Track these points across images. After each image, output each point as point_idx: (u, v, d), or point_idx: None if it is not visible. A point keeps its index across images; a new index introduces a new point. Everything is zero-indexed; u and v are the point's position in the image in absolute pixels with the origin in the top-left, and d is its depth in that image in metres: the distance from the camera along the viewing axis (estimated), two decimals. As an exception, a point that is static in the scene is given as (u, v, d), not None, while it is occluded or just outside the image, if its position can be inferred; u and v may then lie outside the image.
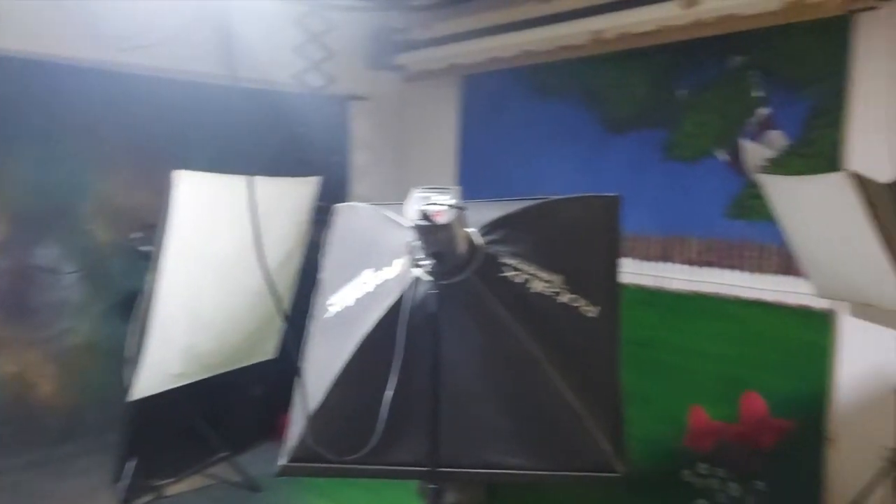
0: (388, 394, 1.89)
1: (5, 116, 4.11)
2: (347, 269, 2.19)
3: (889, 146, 3.27)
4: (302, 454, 1.96)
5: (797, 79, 3.64)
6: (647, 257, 4.28)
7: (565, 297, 2.03)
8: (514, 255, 2.00)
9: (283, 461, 2.00)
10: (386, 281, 2.03)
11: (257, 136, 4.67)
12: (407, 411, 1.90)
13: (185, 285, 3.57)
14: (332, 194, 4.12)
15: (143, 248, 3.81)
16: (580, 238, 2.18)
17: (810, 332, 3.66)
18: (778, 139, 3.72)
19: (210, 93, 4.48)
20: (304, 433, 1.94)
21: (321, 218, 3.98)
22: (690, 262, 4.11)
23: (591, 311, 2.05)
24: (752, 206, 3.78)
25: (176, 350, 3.66)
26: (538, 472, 1.96)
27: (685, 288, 4.13)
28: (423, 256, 1.89)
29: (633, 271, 4.22)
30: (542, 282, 2.01)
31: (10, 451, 4.22)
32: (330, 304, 2.19)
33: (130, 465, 3.88)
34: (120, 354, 3.68)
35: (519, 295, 1.96)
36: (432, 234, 1.80)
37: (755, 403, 3.82)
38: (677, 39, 3.82)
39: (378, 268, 2.08)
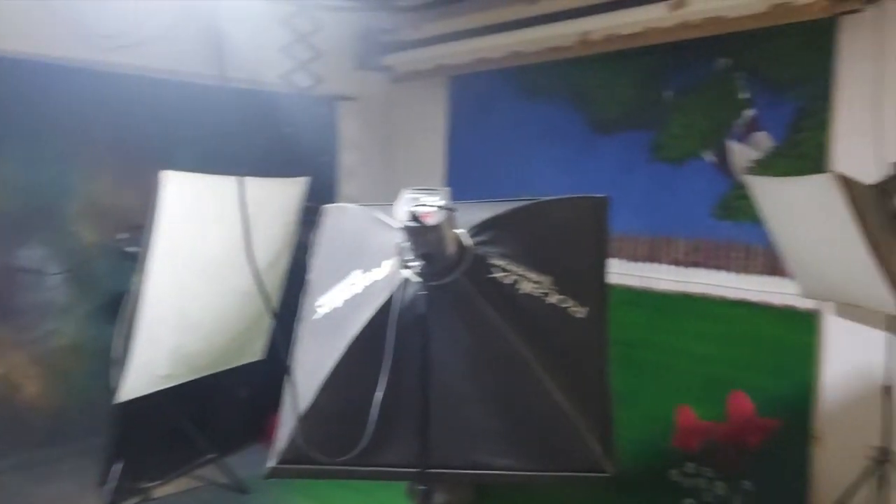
0: (378, 395, 1.89)
1: (-10, 115, 4.08)
2: (336, 271, 2.19)
3: (873, 148, 3.30)
4: (291, 456, 1.96)
5: (783, 81, 3.67)
6: (634, 258, 4.30)
7: (554, 298, 2.04)
8: (503, 256, 2.00)
9: (272, 463, 1.99)
10: (375, 282, 2.02)
11: (245, 137, 4.65)
12: (396, 412, 1.90)
13: (173, 286, 3.55)
14: (320, 195, 4.11)
15: (130, 249, 3.79)
16: (569, 239, 2.18)
17: (796, 332, 3.69)
18: (764, 141, 3.75)
19: (197, 93, 4.46)
20: (294, 435, 1.94)
21: (309, 218, 3.99)
22: (677, 263, 4.14)
23: (579, 311, 2.06)
24: (738, 206, 3.81)
25: (163, 351, 3.64)
26: (527, 472, 1.97)
27: (672, 288, 4.15)
28: (412, 257, 1.89)
29: (621, 272, 4.24)
30: (531, 283, 2.01)
31: (-5, 454, 4.19)
32: (318, 306, 2.18)
33: (117, 468, 3.85)
34: (106, 356, 3.66)
35: (508, 296, 1.96)
36: (422, 236, 1.80)
37: (742, 403, 3.85)
38: (664, 41, 3.84)
39: (367, 269, 2.07)
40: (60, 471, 4.25)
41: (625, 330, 3.88)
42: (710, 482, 3.94)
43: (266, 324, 4.19)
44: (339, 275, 2.16)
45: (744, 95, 3.81)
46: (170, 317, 3.58)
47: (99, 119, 4.41)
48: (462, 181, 5.12)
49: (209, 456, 4.30)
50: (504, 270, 1.98)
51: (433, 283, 1.87)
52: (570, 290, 2.06)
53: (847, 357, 3.54)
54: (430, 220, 1.76)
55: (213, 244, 3.62)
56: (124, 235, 3.97)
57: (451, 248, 1.89)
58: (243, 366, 4.29)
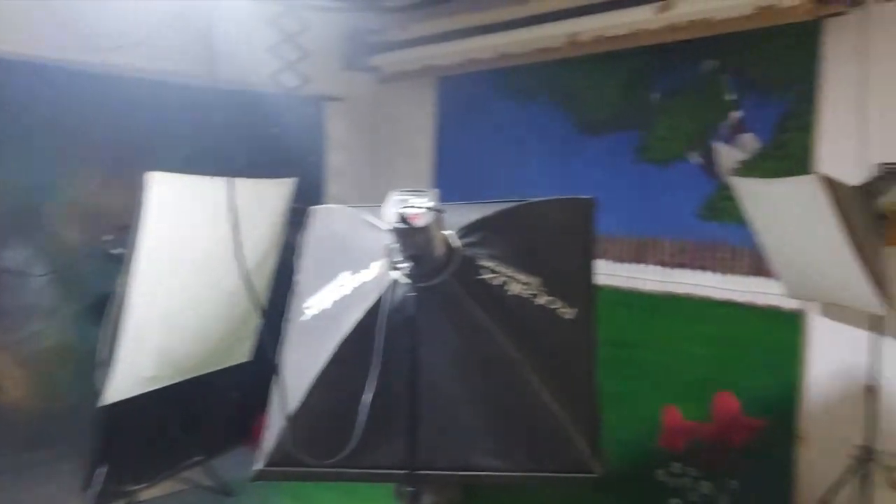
0: (367, 397, 1.88)
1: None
2: (324, 272, 2.18)
3: (857, 150, 3.33)
4: (279, 458, 1.95)
5: (769, 83, 3.69)
6: (620, 259, 4.31)
7: (542, 299, 2.04)
8: (492, 257, 2.01)
9: (259, 465, 1.99)
10: (364, 283, 2.02)
11: (232, 137, 4.62)
12: (385, 414, 1.90)
13: (159, 288, 3.53)
14: (307, 195, 4.11)
15: (116, 251, 3.76)
16: (557, 240, 2.19)
17: (781, 332, 3.71)
18: (750, 142, 3.78)
19: (184, 93, 4.43)
20: (282, 437, 1.93)
21: (296, 219, 3.97)
22: (663, 264, 4.16)
23: (568, 312, 2.07)
24: (724, 208, 3.83)
25: (149, 353, 3.62)
26: (515, 473, 1.97)
27: (658, 289, 4.17)
28: (400, 259, 1.89)
29: (607, 273, 4.26)
30: (519, 284, 2.02)
31: (-23, 457, 4.14)
32: (306, 307, 2.18)
33: (101, 471, 3.82)
34: (91, 358, 3.62)
35: (497, 297, 1.97)
36: (410, 237, 1.80)
37: (728, 403, 3.87)
38: (651, 43, 3.86)
39: (355, 270, 2.07)
40: (44, 474, 4.21)
41: (611, 330, 3.88)
42: (696, 482, 3.96)
43: (253, 325, 4.17)
44: (328, 276, 2.16)
45: (730, 97, 3.84)
46: (156, 318, 3.56)
47: (84, 119, 4.37)
48: (450, 182, 5.12)
49: (195, 458, 4.27)
50: (493, 272, 1.99)
51: (422, 285, 1.88)
52: (559, 292, 2.07)
53: (831, 357, 3.57)
54: (419, 222, 1.76)
55: (199, 245, 3.60)
56: (110, 237, 3.93)
57: (439, 250, 1.89)
58: (230, 367, 4.27)
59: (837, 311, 3.49)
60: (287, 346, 2.14)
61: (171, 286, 3.62)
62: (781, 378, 3.70)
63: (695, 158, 3.99)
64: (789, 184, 3.08)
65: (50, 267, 4.39)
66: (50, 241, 4.39)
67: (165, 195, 3.43)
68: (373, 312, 1.92)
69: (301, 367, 2.00)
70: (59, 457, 4.29)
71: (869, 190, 3.09)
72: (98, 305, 3.82)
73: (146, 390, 3.72)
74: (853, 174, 3.18)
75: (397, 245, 1.86)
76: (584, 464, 1.94)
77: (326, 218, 2.37)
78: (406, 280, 1.89)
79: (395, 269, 1.92)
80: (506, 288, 2.00)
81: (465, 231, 2.02)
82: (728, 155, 3.86)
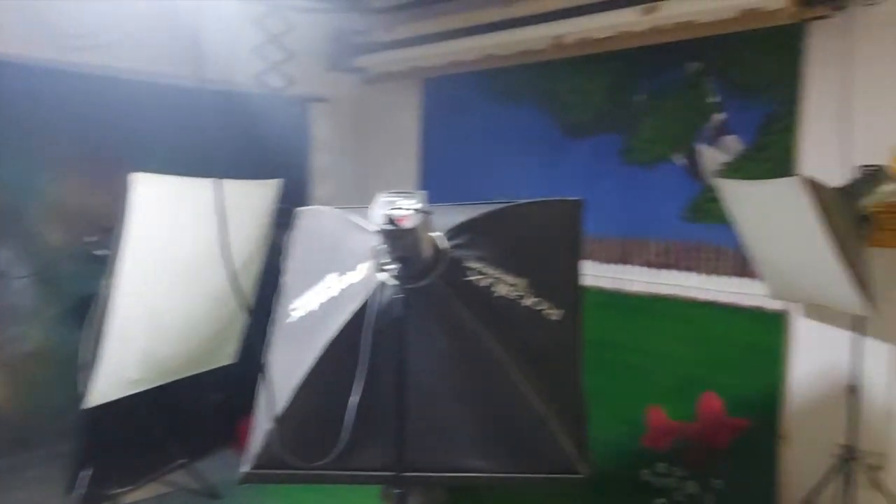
0: (354, 399, 1.88)
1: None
2: (311, 274, 2.18)
3: (840, 152, 3.36)
4: (266, 461, 1.94)
5: (752, 85, 3.72)
6: (606, 260, 4.33)
7: (529, 301, 2.05)
8: (479, 258, 2.01)
9: (245, 468, 1.98)
10: (351, 285, 2.02)
11: (216, 138, 4.57)
12: (372, 416, 1.90)
13: (143, 290, 3.50)
14: (292, 197, 4.09)
15: (99, 252, 3.73)
16: (544, 241, 2.20)
17: (765, 333, 3.74)
18: (733, 144, 3.80)
19: (168, 93, 4.40)
20: (269, 439, 1.92)
21: (282, 221, 3.96)
22: (649, 265, 4.18)
23: (554, 314, 2.07)
24: (708, 209, 3.86)
25: (133, 355, 3.59)
26: (502, 474, 1.97)
27: (644, 290, 4.19)
28: (388, 261, 1.89)
29: (593, 274, 4.27)
30: (506, 285, 2.02)
31: (-42, 462, 4.10)
32: (293, 309, 2.17)
33: (85, 474, 3.79)
34: (74, 361, 3.59)
35: (484, 299, 1.97)
36: (398, 239, 1.80)
37: (712, 403, 3.90)
38: (635, 45, 3.88)
39: (342, 272, 2.07)
40: (27, 478, 4.17)
41: (597, 331, 3.89)
42: (681, 481, 3.99)
43: (238, 327, 4.15)
44: (314, 278, 2.15)
45: (714, 99, 3.86)
46: (140, 320, 3.54)
47: (65, 119, 4.34)
48: (435, 183, 5.12)
49: (180, 461, 4.24)
50: (480, 273, 1.99)
51: (409, 286, 1.87)
52: (546, 293, 2.07)
53: (814, 357, 3.60)
54: (407, 224, 1.76)
55: (184, 247, 3.58)
56: (93, 238, 3.90)
57: (427, 252, 1.89)
58: (215, 369, 4.24)
59: (820, 311, 3.53)
60: (273, 348, 2.13)
61: (156, 288, 3.59)
62: (765, 378, 3.73)
63: (679, 160, 4.02)
64: (773, 185, 3.11)
65: (32, 268, 4.35)
66: (32, 242, 4.35)
67: (150, 196, 3.41)
68: (360, 314, 1.91)
69: (287, 369, 1.99)
70: (42, 460, 4.25)
71: (851, 192, 3.12)
72: (81, 307, 3.79)
73: (130, 393, 3.69)
74: (836, 176, 3.21)
75: (385, 247, 1.86)
76: (570, 465, 1.94)
77: (313, 219, 2.36)
78: (393, 282, 1.89)
79: (383, 270, 1.92)
80: (493, 289, 2.00)
81: (453, 233, 2.01)
82: (712, 157, 3.88)
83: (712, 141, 3.88)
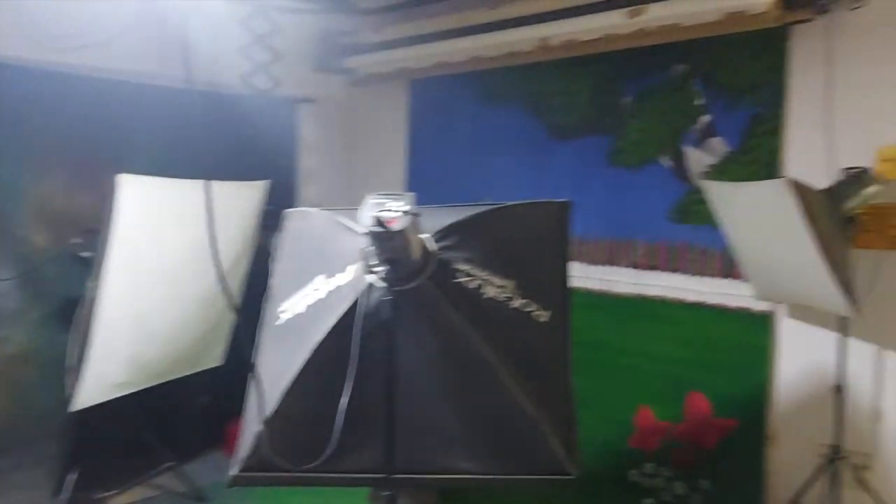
0: (343, 401, 1.88)
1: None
2: (299, 276, 2.17)
3: (824, 154, 3.39)
4: (255, 463, 1.94)
5: (738, 88, 3.75)
6: (593, 261, 4.34)
7: (517, 302, 2.06)
8: (468, 260, 2.02)
9: (234, 471, 1.97)
10: (339, 287, 2.02)
11: (203, 139, 4.55)
12: (362, 418, 1.90)
13: (130, 292, 3.48)
14: (279, 198, 4.08)
15: (84, 254, 3.70)
16: (532, 243, 2.21)
17: (751, 334, 3.76)
18: (719, 146, 3.83)
19: (154, 94, 4.38)
20: (258, 441, 1.92)
21: (269, 222, 3.95)
22: (636, 266, 4.19)
23: (542, 315, 2.08)
24: (695, 211, 3.88)
25: (120, 358, 3.57)
26: (492, 475, 1.98)
27: (630, 291, 4.21)
28: (376, 263, 1.89)
29: (580, 275, 4.28)
30: (494, 287, 2.03)
31: (-59, 466, 4.05)
32: (281, 311, 2.17)
33: (71, 478, 3.76)
34: (59, 364, 3.57)
35: (472, 300, 1.98)
36: (387, 241, 1.80)
37: (699, 403, 3.92)
38: (622, 48, 3.90)
39: (331, 274, 2.07)
40: (12, 482, 4.12)
41: (584, 332, 3.91)
42: (669, 482, 4.00)
43: (225, 329, 4.14)
44: (303, 280, 2.15)
45: (700, 102, 3.89)
46: (127, 323, 3.52)
47: (52, 120, 4.30)
48: (423, 185, 5.12)
49: (167, 464, 4.22)
50: (468, 275, 2.00)
51: (398, 288, 1.88)
52: (534, 294, 2.08)
53: (800, 358, 3.63)
54: (395, 226, 1.76)
55: (171, 249, 3.57)
56: (79, 240, 3.87)
57: (415, 253, 1.89)
58: (202, 372, 4.22)
59: (806, 312, 3.55)
60: (262, 351, 2.13)
61: (142, 290, 3.57)
62: (752, 379, 3.75)
63: (666, 162, 4.04)
64: (758, 187, 3.13)
65: (16, 270, 4.30)
66: (16, 244, 4.30)
67: (136, 197, 3.39)
68: (349, 316, 1.91)
69: (276, 372, 1.99)
70: (28, 464, 4.21)
71: (836, 193, 3.15)
72: (66, 310, 3.76)
73: (116, 396, 3.67)
74: (820, 178, 3.24)
75: (373, 248, 1.86)
76: (559, 466, 1.95)
77: (301, 221, 2.36)
78: (382, 284, 1.89)
79: (371, 272, 1.92)
80: (481, 291, 2.01)
81: (441, 234, 2.02)
82: (698, 159, 3.90)
83: (698, 143, 3.90)
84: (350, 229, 2.06)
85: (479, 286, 2.01)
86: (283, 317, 2.15)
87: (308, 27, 5.16)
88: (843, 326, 3.30)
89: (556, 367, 2.08)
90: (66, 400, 3.47)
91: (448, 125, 5.09)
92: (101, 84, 4.40)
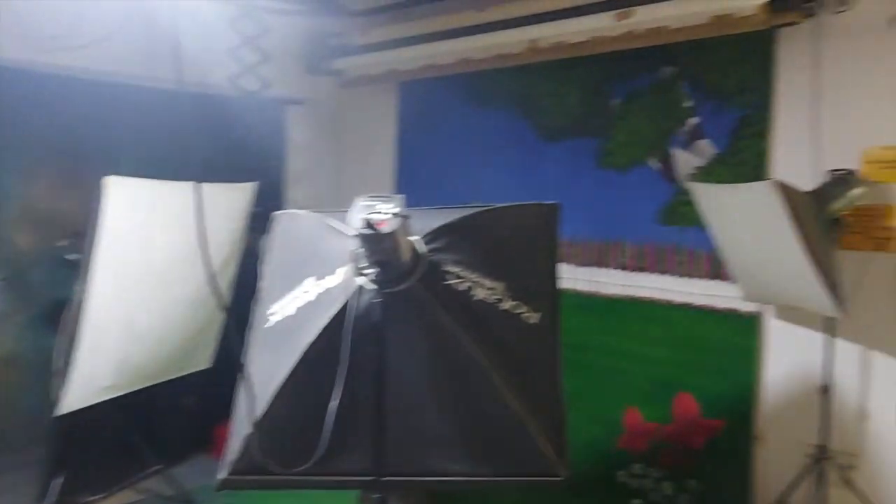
0: (334, 404, 1.87)
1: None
2: (288, 278, 2.17)
3: (810, 156, 3.41)
4: (244, 466, 1.93)
5: (725, 90, 3.77)
6: (582, 263, 4.36)
7: (507, 304, 2.06)
8: (458, 262, 2.02)
9: (223, 474, 1.96)
10: (329, 290, 2.01)
11: (191, 141, 4.53)
12: (351, 420, 1.89)
13: (117, 294, 3.46)
14: (268, 200, 4.06)
15: (71, 257, 3.68)
16: (521, 245, 2.21)
17: (738, 335, 3.79)
18: (707, 148, 3.85)
19: (141, 95, 4.35)
20: (247, 444, 1.91)
21: (257, 224, 3.93)
22: (624, 268, 4.21)
23: (532, 317, 2.08)
24: (683, 212, 3.90)
25: (107, 361, 3.54)
26: (482, 478, 1.98)
27: (619, 292, 4.22)
28: (366, 265, 1.89)
29: (570, 277, 4.30)
30: (484, 289, 2.03)
31: (-75, 470, 4.01)
32: (271, 314, 2.16)
33: (57, 482, 3.72)
34: (45, 366, 3.54)
35: (462, 302, 1.98)
36: (377, 243, 1.80)
37: (687, 404, 3.93)
38: (610, 50, 3.91)
39: (320, 276, 2.06)
40: (-3, 486, 4.10)
41: (573, 334, 3.91)
42: (657, 482, 4.02)
43: (213, 332, 4.11)
44: (292, 282, 2.14)
45: (687, 104, 3.91)
46: (114, 326, 3.49)
47: (38, 122, 4.27)
48: (412, 187, 5.12)
49: (154, 467, 4.19)
50: (458, 277, 2.00)
51: (388, 291, 1.88)
52: (523, 297, 2.09)
53: (787, 358, 3.65)
54: (385, 228, 1.76)
55: (158, 251, 3.54)
56: (65, 242, 3.85)
57: (405, 256, 1.89)
58: (190, 375, 4.20)
59: (792, 313, 3.58)
60: (251, 353, 2.12)
61: (130, 293, 3.55)
62: (739, 379, 3.78)
63: (654, 164, 4.05)
64: (745, 189, 3.15)
65: (2, 273, 4.27)
66: (1, 246, 4.27)
67: (123, 199, 3.36)
68: (338, 318, 1.91)
69: (266, 374, 1.98)
70: (13, 468, 4.17)
71: (822, 195, 3.17)
72: (53, 312, 3.74)
73: (103, 399, 3.64)
74: (807, 180, 3.26)
75: (363, 251, 1.86)
76: (549, 468, 1.95)
77: (290, 223, 2.35)
78: (372, 286, 1.89)
79: (361, 274, 1.92)
80: (471, 293, 2.01)
81: (431, 236, 2.02)
82: (686, 161, 3.92)
83: (686, 145, 3.93)
84: (339, 231, 2.06)
85: (470, 288, 2.01)
86: (273, 319, 2.14)
87: (297, 29, 5.15)
88: (829, 327, 3.32)
89: (546, 368, 2.08)
90: (52, 403, 3.44)
91: (437, 127, 5.09)
92: (88, 85, 4.37)
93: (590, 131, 4.32)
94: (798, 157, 3.48)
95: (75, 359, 3.37)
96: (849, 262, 3.29)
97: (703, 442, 3.88)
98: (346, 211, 1.87)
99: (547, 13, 4.08)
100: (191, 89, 4.36)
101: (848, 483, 3.36)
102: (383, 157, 5.38)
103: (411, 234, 1.94)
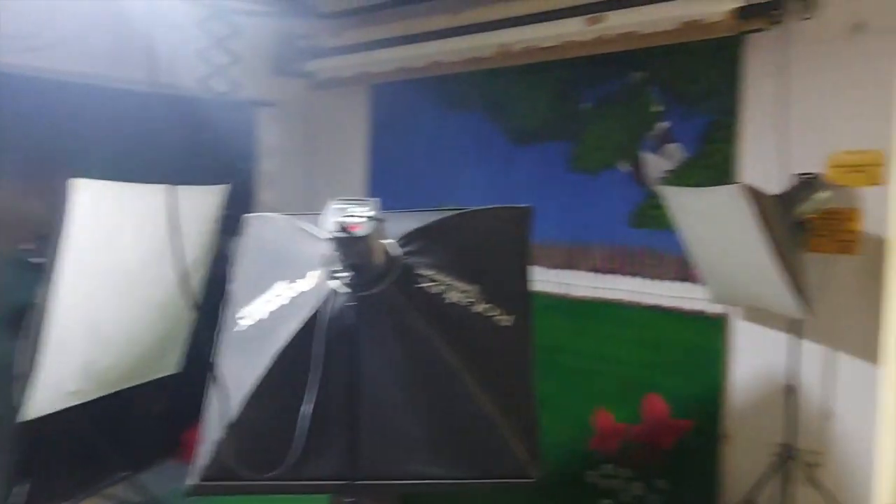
0: (307, 408, 1.86)
1: None
2: (259, 282, 2.15)
3: (778, 160, 3.47)
4: (214, 472, 1.91)
5: (694, 95, 3.82)
6: (553, 265, 4.38)
7: (480, 307, 2.06)
8: (431, 266, 2.02)
9: (193, 480, 1.94)
10: (301, 293, 2.00)
11: (160, 142, 4.48)
12: (325, 425, 1.88)
13: (83, 299, 3.40)
14: (238, 203, 4.03)
15: (35, 260, 3.61)
16: (494, 248, 2.22)
17: (706, 336, 3.83)
18: (676, 152, 3.89)
19: (109, 96, 4.29)
20: (218, 450, 1.89)
21: (228, 227, 3.90)
22: (595, 270, 4.24)
23: (505, 320, 2.09)
24: (652, 215, 3.94)
25: (72, 367, 3.48)
26: (455, 480, 1.98)
27: (590, 295, 4.25)
28: (340, 268, 1.88)
29: (540, 279, 4.32)
30: (458, 292, 2.03)
31: None
32: (241, 318, 2.14)
33: (21, 489, 3.65)
34: (8, 372, 3.47)
35: (436, 305, 1.98)
36: (350, 246, 1.80)
37: (656, 405, 3.97)
38: (581, 55, 3.94)
39: (292, 280, 2.05)
40: (-42, 495, 4.01)
41: (544, 336, 3.93)
42: (627, 482, 4.05)
43: (181, 336, 4.06)
44: (263, 286, 2.12)
45: (657, 108, 3.95)
46: (79, 330, 3.43)
47: (3, 122, 4.18)
48: (384, 190, 5.11)
49: (122, 473, 4.13)
50: (432, 280, 2.00)
51: (362, 294, 1.87)
52: (497, 299, 2.09)
53: (753, 359, 3.71)
54: (359, 231, 1.76)
55: (125, 255, 3.49)
56: (30, 245, 3.78)
57: (379, 259, 1.89)
58: (158, 380, 4.14)
59: (759, 315, 3.63)
60: (221, 358, 2.10)
61: (96, 297, 3.49)
62: (707, 380, 3.82)
63: (624, 167, 4.09)
64: (714, 193, 3.19)
65: (-37, 277, 4.18)
66: (-37, 250, 4.18)
67: (90, 202, 3.31)
68: (311, 322, 1.90)
69: (237, 379, 1.96)
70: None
71: (789, 199, 3.23)
72: (15, 317, 3.66)
73: (69, 405, 3.58)
74: (774, 184, 3.32)
75: (336, 254, 1.85)
76: (522, 470, 1.96)
77: (261, 226, 2.33)
78: (345, 289, 1.88)
79: (334, 278, 1.91)
80: (445, 296, 2.01)
81: (405, 240, 2.02)
82: (656, 164, 3.97)
83: (656, 149, 3.97)
84: (311, 235, 2.05)
85: (443, 291, 2.01)
86: (244, 323, 2.12)
87: (267, 30, 5.11)
88: (795, 328, 3.38)
89: (519, 371, 2.09)
90: (16, 409, 3.37)
91: (409, 130, 5.09)
92: (54, 85, 4.29)
93: (561, 135, 4.34)
94: (765, 161, 3.54)
95: (40, 364, 3.31)
96: (814, 264, 3.36)
97: (672, 442, 3.92)
98: (318, 214, 1.86)
99: (518, 17, 4.10)
100: (160, 90, 4.32)
101: (813, 481, 3.42)
102: (355, 159, 5.36)
103: (385, 238, 1.93)
